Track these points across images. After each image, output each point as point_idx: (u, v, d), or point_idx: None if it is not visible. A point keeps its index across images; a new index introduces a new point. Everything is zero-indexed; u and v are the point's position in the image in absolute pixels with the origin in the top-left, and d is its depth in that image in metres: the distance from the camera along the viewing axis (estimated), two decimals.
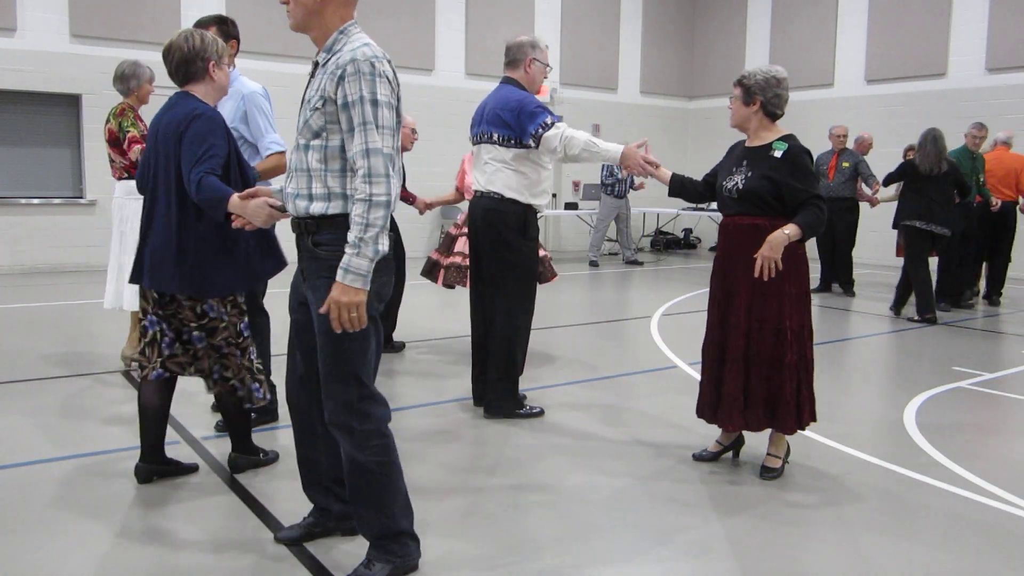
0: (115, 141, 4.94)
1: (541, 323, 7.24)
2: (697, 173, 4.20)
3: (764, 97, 3.55)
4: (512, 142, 4.26)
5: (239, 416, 3.48)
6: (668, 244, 15.21)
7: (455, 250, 5.85)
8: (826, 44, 13.77)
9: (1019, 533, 3.12)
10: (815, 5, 13.91)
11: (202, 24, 3.96)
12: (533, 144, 4.20)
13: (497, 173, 4.29)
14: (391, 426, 2.57)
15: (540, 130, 4.18)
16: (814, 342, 3.65)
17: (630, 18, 15.10)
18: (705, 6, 15.78)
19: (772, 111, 3.58)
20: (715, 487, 3.52)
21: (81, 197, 10.41)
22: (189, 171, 3.03)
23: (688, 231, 15.54)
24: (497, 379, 4.40)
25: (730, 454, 3.88)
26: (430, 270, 5.99)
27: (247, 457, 3.56)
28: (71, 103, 10.29)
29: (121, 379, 5.02)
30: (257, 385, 3.38)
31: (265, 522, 3.04)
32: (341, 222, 2.42)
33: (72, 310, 7.48)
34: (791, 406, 3.52)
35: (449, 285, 5.84)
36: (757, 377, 3.54)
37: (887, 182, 8.38)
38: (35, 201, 10.14)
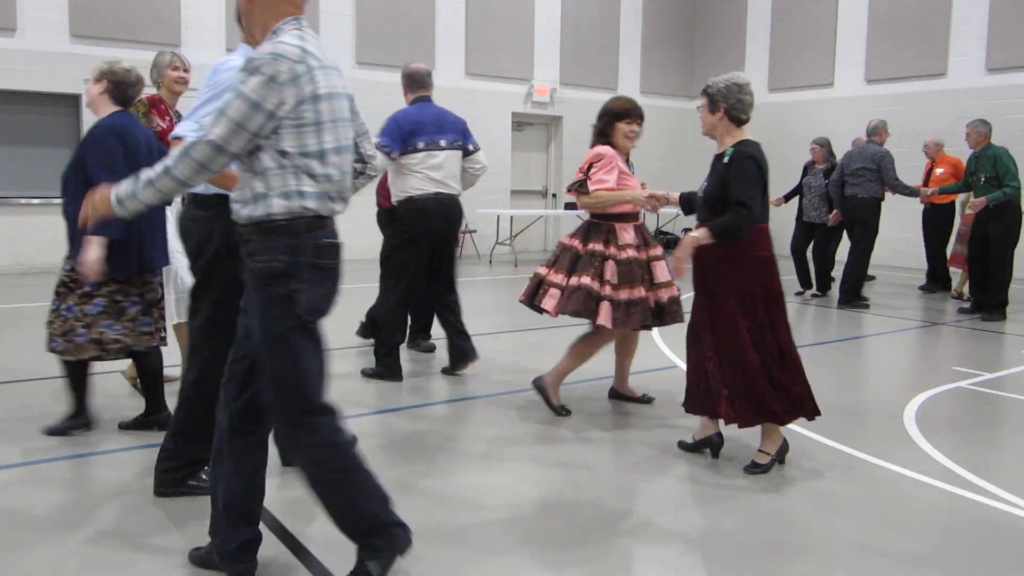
0: None
1: (541, 323, 7.24)
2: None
3: (727, 104, 3.66)
4: None
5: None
6: (668, 244, 15.20)
7: (606, 278, 4.33)
8: (826, 44, 13.76)
9: (1019, 532, 3.13)
10: (815, 5, 13.91)
11: None
12: None
13: None
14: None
15: None
16: (759, 345, 3.62)
17: (630, 18, 15.10)
18: (705, 6, 15.77)
19: (736, 116, 3.68)
20: (712, 481, 3.53)
21: None
22: None
23: (687, 231, 15.51)
24: None
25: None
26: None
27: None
28: (71, 103, 10.29)
29: (121, 379, 5.02)
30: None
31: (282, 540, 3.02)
32: (267, 227, 2.34)
33: None
34: (717, 398, 3.65)
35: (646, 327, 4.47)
36: (696, 370, 3.78)
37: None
38: (35, 201, 10.13)
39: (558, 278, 4.39)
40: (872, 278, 9.68)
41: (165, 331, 4.09)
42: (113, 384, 4.89)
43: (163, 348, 4.08)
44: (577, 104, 14.34)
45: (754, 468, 3.69)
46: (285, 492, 3.33)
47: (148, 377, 4.07)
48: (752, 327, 3.61)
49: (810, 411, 3.71)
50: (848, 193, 8.59)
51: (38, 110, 10.19)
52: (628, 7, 15.04)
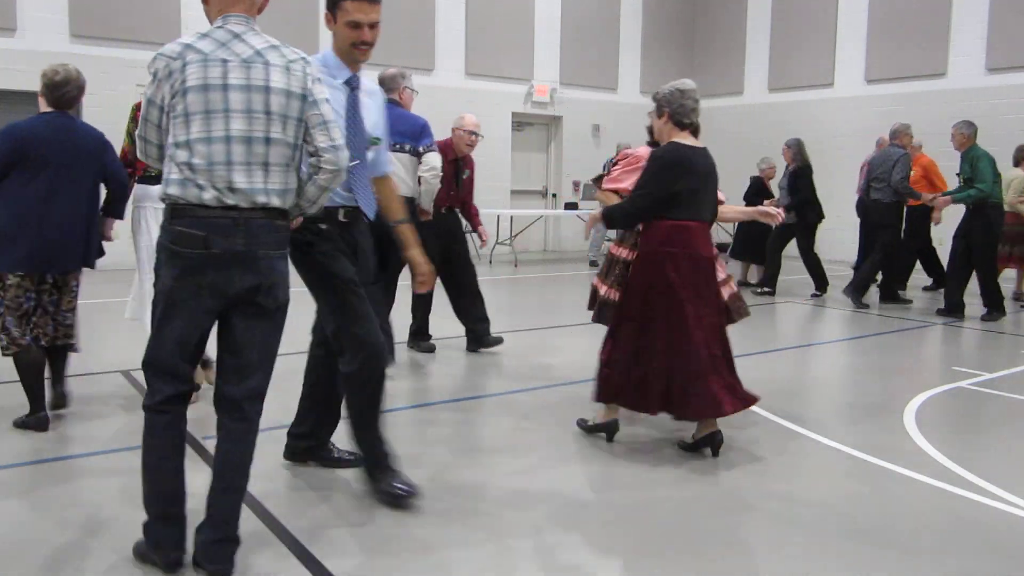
0: None
1: (541, 323, 7.25)
2: None
3: (671, 108, 3.91)
4: None
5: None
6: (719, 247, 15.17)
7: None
8: (826, 44, 13.76)
9: (1019, 532, 3.13)
10: (815, 5, 13.91)
11: None
12: None
13: None
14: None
15: None
16: (640, 334, 3.79)
17: (630, 18, 15.10)
18: (705, 6, 15.78)
19: (679, 120, 3.90)
20: (711, 480, 3.54)
21: None
22: None
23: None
24: None
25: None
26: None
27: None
28: None
29: (120, 378, 5.02)
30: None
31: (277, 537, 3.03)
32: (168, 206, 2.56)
33: None
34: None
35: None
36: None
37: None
38: None
39: (603, 288, 4.55)
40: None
41: (70, 338, 4.11)
42: (110, 387, 4.89)
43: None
44: (577, 104, 14.33)
45: (580, 423, 4.16)
46: (284, 488, 3.33)
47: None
48: (642, 317, 3.78)
49: (680, 412, 3.80)
50: (873, 197, 8.68)
51: (38, 110, 10.17)
52: (628, 7, 15.04)
